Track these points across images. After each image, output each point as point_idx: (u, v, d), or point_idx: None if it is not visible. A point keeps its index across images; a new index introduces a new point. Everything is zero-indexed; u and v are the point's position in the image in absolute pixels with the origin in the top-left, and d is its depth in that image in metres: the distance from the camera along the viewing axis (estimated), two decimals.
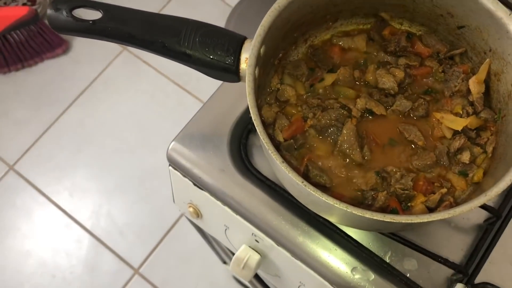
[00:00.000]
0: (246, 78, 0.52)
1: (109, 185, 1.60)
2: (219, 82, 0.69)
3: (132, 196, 1.59)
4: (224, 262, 1.19)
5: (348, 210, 0.46)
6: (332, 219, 0.60)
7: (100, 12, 0.53)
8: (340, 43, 0.64)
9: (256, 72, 0.53)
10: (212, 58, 0.54)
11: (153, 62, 1.76)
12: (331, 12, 0.62)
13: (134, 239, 1.54)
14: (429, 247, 0.60)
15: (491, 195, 0.47)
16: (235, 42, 0.54)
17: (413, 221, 0.45)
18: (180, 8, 1.84)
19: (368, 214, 0.46)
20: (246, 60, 0.53)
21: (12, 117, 1.69)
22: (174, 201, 0.75)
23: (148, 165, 1.61)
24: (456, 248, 0.62)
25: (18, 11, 1.58)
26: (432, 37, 0.63)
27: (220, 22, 1.72)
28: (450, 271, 0.60)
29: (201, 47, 0.53)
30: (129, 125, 1.68)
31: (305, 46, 0.64)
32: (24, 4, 1.71)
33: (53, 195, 1.59)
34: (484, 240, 0.60)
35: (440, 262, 0.59)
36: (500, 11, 0.53)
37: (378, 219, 0.46)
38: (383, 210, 0.54)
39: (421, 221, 0.45)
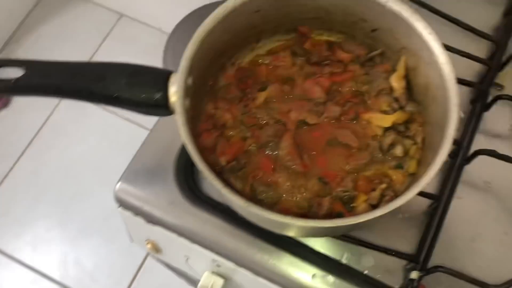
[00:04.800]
0: (177, 110, 0.53)
1: (72, 232, 1.57)
2: None
3: (98, 238, 1.56)
4: None
5: (292, 222, 0.48)
6: (286, 233, 0.61)
7: (22, 69, 0.53)
8: (266, 61, 0.66)
9: (187, 103, 0.54)
10: (141, 97, 0.54)
11: None
12: (252, 34, 0.64)
13: (106, 281, 1.51)
14: (381, 242, 0.63)
15: (423, 183, 0.50)
16: (161, 78, 0.55)
17: (350, 223, 0.47)
18: (118, 43, 1.84)
19: (311, 223, 0.48)
20: (175, 93, 0.54)
21: None
22: (132, 240, 0.75)
23: (109, 204, 1.57)
24: (407, 238, 0.64)
25: None
26: (350, 43, 0.66)
27: (160, 50, 1.73)
28: (405, 262, 0.63)
29: (128, 88, 0.54)
30: (84, 167, 1.66)
31: (233, 69, 0.66)
32: None
33: (15, 253, 1.54)
34: (430, 226, 0.63)
35: (392, 255, 0.61)
36: (405, 11, 0.56)
37: (322, 226, 0.48)
38: (329, 214, 0.56)
39: (360, 221, 0.47)
